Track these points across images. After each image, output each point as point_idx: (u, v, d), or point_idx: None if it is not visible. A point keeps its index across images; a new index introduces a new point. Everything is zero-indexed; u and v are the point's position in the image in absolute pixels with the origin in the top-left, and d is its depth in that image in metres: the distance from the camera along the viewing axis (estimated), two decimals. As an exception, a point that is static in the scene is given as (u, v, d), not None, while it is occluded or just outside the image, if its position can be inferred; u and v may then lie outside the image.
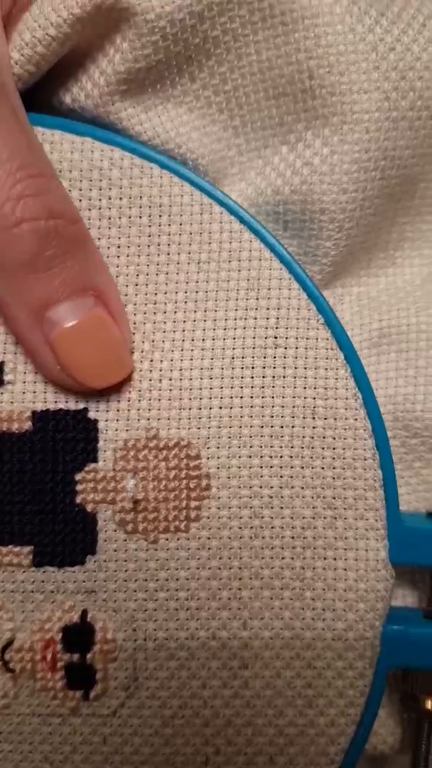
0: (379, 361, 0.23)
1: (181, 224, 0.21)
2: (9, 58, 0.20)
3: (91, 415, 0.21)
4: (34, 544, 0.21)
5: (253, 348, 0.21)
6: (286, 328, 0.21)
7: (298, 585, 0.21)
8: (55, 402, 0.21)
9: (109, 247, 0.21)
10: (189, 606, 0.21)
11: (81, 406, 0.21)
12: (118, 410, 0.21)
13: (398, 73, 0.22)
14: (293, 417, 0.21)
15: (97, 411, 0.21)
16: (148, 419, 0.21)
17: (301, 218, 0.22)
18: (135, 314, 0.21)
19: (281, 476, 0.21)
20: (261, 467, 0.21)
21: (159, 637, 0.21)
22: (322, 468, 0.21)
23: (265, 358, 0.21)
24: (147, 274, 0.21)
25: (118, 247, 0.21)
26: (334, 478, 0.21)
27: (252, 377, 0.21)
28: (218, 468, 0.21)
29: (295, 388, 0.21)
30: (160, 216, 0.21)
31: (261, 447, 0.21)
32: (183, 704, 0.21)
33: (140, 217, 0.21)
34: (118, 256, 0.21)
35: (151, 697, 0.21)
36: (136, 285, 0.21)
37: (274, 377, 0.21)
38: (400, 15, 0.22)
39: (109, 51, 0.21)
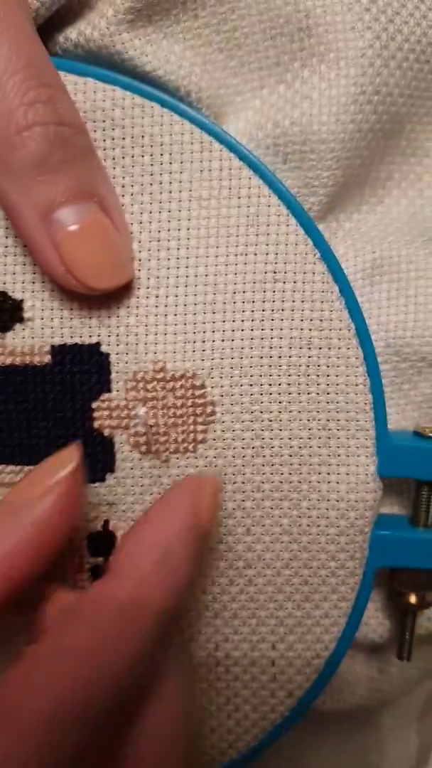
0: (372, 291, 0.24)
1: (182, 162, 0.21)
2: None
3: (104, 348, 0.22)
4: None
5: (254, 283, 0.22)
6: (285, 263, 0.21)
7: (296, 496, 0.22)
8: (71, 336, 0.22)
9: (114, 186, 0.22)
10: None
11: (94, 340, 0.22)
12: (127, 344, 0.22)
13: (386, 16, 0.21)
14: (290, 348, 0.22)
15: (109, 345, 0.22)
16: (155, 353, 0.22)
17: (302, 149, 0.22)
18: (140, 251, 0.22)
19: (280, 402, 0.22)
20: (261, 394, 0.22)
21: None
22: (317, 394, 0.22)
23: (264, 292, 0.22)
24: (150, 212, 0.22)
25: (123, 186, 0.22)
26: (328, 402, 0.22)
27: (252, 311, 0.22)
28: (222, 396, 0.22)
29: (292, 320, 0.22)
30: (161, 155, 0.21)
31: (261, 376, 0.22)
32: (194, 599, 0.23)
33: (143, 156, 0.21)
34: (123, 195, 0.22)
35: (166, 594, 0.23)
36: (140, 223, 0.22)
37: (273, 311, 0.22)
38: None
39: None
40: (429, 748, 0.28)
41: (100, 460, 0.22)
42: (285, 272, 0.21)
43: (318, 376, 0.22)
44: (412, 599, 0.23)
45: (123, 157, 0.21)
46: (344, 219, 0.24)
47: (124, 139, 0.21)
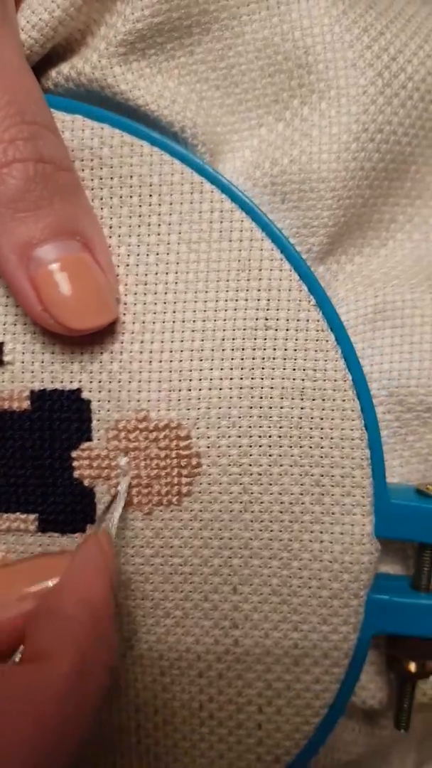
0: (375, 336, 0.22)
1: (171, 204, 0.20)
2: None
3: (85, 395, 0.20)
4: (38, 512, 0.20)
5: (243, 329, 0.20)
6: (277, 310, 0.20)
7: (286, 555, 0.20)
8: (51, 382, 0.20)
9: (101, 226, 0.20)
10: (183, 571, 0.21)
11: (75, 386, 0.20)
12: (109, 391, 0.20)
13: (389, 54, 0.20)
14: (282, 398, 0.20)
15: (90, 392, 0.20)
16: (138, 401, 0.20)
17: (301, 188, 0.20)
18: (126, 295, 0.20)
19: (270, 455, 0.20)
20: (250, 446, 0.20)
21: (155, 597, 0.21)
22: (310, 447, 0.20)
23: (255, 339, 0.20)
24: (138, 255, 0.20)
25: (110, 227, 0.20)
26: (321, 456, 0.20)
27: (242, 359, 0.20)
28: (208, 447, 0.20)
29: (284, 369, 0.20)
30: (150, 196, 0.20)
31: (250, 427, 0.20)
32: (179, 657, 0.21)
33: (131, 196, 0.20)
34: (110, 237, 0.20)
35: (149, 649, 0.21)
36: (127, 266, 0.20)
37: (264, 359, 0.20)
38: (386, 12, 0.20)
39: (110, 19, 0.19)
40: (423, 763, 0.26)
41: (80, 510, 0.20)
42: (277, 319, 0.20)
43: (311, 428, 0.20)
44: (412, 668, 0.21)
45: (111, 198, 0.20)
46: (345, 261, 0.22)
47: (112, 179, 0.20)
